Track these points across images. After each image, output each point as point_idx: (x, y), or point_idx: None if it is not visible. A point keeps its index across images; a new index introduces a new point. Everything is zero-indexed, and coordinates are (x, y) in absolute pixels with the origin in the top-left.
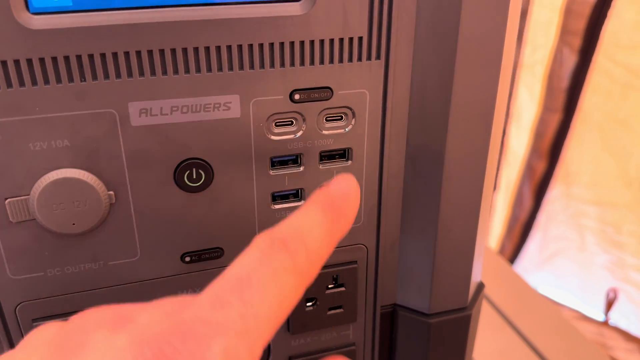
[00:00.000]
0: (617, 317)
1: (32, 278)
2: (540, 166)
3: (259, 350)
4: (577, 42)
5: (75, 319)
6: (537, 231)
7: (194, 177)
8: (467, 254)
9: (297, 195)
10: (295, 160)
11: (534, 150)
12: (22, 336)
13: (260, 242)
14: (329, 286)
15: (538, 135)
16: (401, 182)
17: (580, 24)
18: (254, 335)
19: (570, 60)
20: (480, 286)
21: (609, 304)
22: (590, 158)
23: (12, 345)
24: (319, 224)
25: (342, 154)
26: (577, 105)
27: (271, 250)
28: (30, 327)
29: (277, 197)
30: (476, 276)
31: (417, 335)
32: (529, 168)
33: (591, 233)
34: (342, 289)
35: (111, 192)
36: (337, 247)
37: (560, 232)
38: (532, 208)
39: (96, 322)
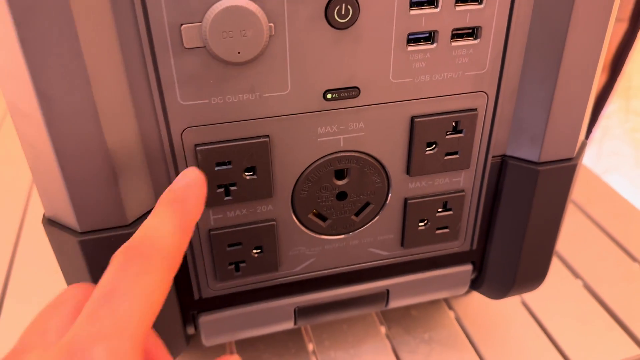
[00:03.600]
0: None
1: (198, 105)
2: (601, 79)
3: (140, 341)
4: None
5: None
6: (592, 146)
7: (343, 12)
8: (581, 106)
9: (430, 38)
10: (431, 1)
11: None
12: (185, 161)
13: (116, 258)
14: (449, 132)
15: None
16: (527, 29)
17: None
18: (130, 332)
19: None
20: (584, 143)
21: None
22: None
23: (177, 168)
24: (166, 221)
25: None
26: None
27: (126, 260)
28: (192, 153)
29: (412, 40)
30: (583, 132)
31: (524, 184)
32: None
33: None
34: (461, 135)
35: (271, 24)
36: (460, 94)
37: (616, 147)
38: (589, 122)
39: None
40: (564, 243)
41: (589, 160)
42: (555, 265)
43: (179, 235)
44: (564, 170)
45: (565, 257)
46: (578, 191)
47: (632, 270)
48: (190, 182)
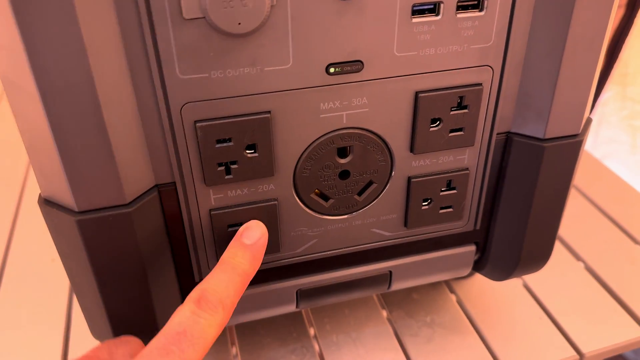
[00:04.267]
0: None
1: (197, 79)
2: None
3: None
4: None
5: None
6: (588, 134)
7: None
8: (587, 81)
9: (434, 10)
10: None
11: None
12: (184, 138)
13: (190, 302)
14: (453, 108)
15: None
16: (533, 1)
17: None
18: None
19: None
20: (589, 120)
21: None
22: None
23: (176, 145)
24: (233, 281)
25: None
26: None
27: (199, 309)
28: (192, 129)
29: (417, 12)
30: (588, 109)
31: (529, 161)
32: None
33: None
34: (466, 110)
35: None
36: (465, 68)
37: (612, 134)
38: None
39: None
40: (565, 226)
41: (586, 146)
42: (556, 248)
43: (239, 294)
44: (570, 146)
45: (567, 240)
46: (578, 174)
47: (634, 253)
48: (259, 243)
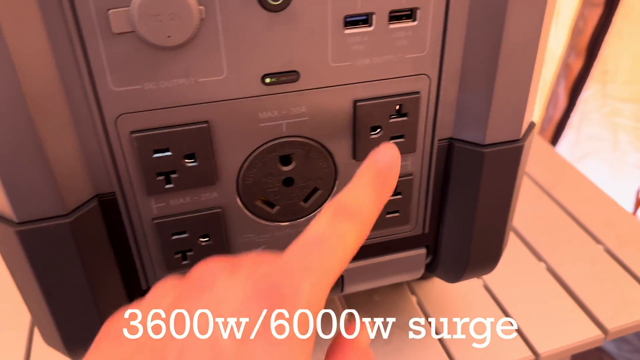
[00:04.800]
0: None
1: (131, 90)
2: (577, 64)
3: (332, 284)
4: None
5: (196, 269)
6: (570, 131)
7: None
8: (524, 87)
9: (367, 21)
10: None
11: (572, 47)
12: (121, 148)
13: (328, 210)
14: (392, 116)
15: (577, 31)
16: (466, 10)
17: None
18: (329, 275)
19: None
20: (532, 124)
21: (639, 202)
22: (629, 54)
23: (113, 156)
24: (370, 195)
25: None
26: None
27: (336, 217)
28: (128, 139)
29: (349, 23)
30: (529, 114)
31: (471, 166)
32: (565, 67)
33: (625, 132)
34: (405, 118)
35: (202, 7)
36: (401, 77)
37: (594, 132)
38: (566, 108)
39: (214, 270)
40: (528, 226)
41: (567, 145)
42: (518, 248)
43: (376, 207)
44: (510, 151)
45: (529, 240)
46: (545, 175)
47: (596, 252)
48: (393, 165)
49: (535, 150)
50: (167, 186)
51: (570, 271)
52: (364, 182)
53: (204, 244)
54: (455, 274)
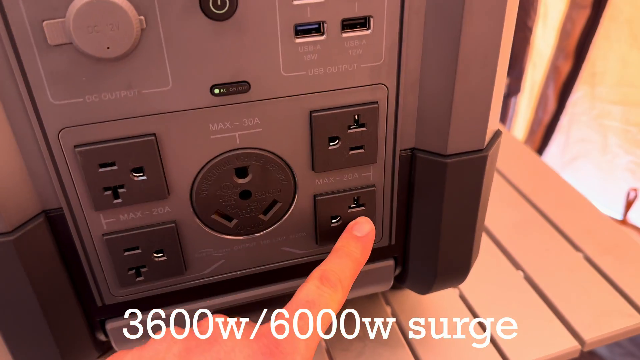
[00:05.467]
0: (636, 217)
1: (72, 104)
2: (566, 67)
3: (318, 342)
4: None
5: (200, 324)
6: (559, 134)
7: (219, 2)
8: (485, 96)
9: (320, 29)
10: None
11: (560, 50)
12: (66, 163)
13: (314, 279)
14: (351, 126)
15: (565, 34)
16: (422, 18)
17: None
18: (317, 335)
19: None
20: (498, 133)
21: (629, 204)
22: (617, 57)
23: (58, 171)
24: (349, 265)
25: None
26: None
27: (322, 285)
28: (73, 154)
29: (300, 32)
30: (493, 123)
31: (434, 177)
32: (554, 69)
33: (614, 134)
34: (364, 128)
35: (142, 17)
36: (357, 87)
37: (583, 134)
38: (556, 110)
39: (218, 327)
40: (506, 234)
41: (557, 147)
42: (496, 257)
43: (354, 274)
44: (474, 161)
45: (507, 249)
46: (527, 182)
47: (575, 260)
48: (369, 232)
49: (519, 158)
50: (116, 201)
51: (548, 280)
52: (343, 253)
53: (158, 259)
54: (424, 286)
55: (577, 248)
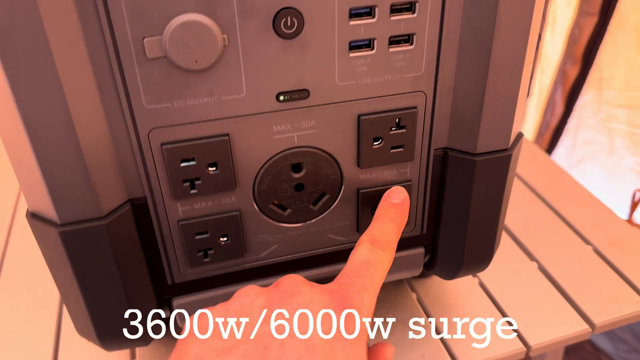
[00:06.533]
0: None
1: (162, 108)
2: (573, 72)
3: (376, 294)
4: None
5: (282, 281)
6: (566, 136)
7: (289, 24)
8: (511, 102)
9: (370, 45)
10: (369, 12)
11: (568, 55)
12: (152, 158)
13: (365, 242)
14: (392, 128)
15: (572, 40)
16: (458, 35)
17: None
18: (376, 290)
19: None
20: (520, 135)
21: (634, 205)
22: (624, 62)
23: (145, 165)
24: (392, 228)
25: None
26: (614, 7)
27: (374, 247)
28: (159, 151)
29: (354, 47)
30: (517, 125)
31: (464, 173)
32: (561, 74)
33: (620, 136)
34: (404, 130)
35: (225, 36)
36: (400, 94)
37: (590, 137)
38: (563, 114)
39: (297, 282)
40: (521, 228)
41: (564, 149)
42: (512, 249)
43: (397, 236)
44: (499, 160)
45: (523, 242)
46: (540, 181)
47: (585, 252)
48: (404, 202)
49: (531, 157)
50: (192, 191)
51: (561, 270)
52: (386, 218)
53: (223, 243)
54: (451, 272)
55: (586, 241)
